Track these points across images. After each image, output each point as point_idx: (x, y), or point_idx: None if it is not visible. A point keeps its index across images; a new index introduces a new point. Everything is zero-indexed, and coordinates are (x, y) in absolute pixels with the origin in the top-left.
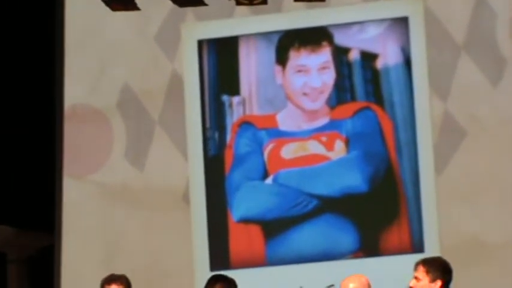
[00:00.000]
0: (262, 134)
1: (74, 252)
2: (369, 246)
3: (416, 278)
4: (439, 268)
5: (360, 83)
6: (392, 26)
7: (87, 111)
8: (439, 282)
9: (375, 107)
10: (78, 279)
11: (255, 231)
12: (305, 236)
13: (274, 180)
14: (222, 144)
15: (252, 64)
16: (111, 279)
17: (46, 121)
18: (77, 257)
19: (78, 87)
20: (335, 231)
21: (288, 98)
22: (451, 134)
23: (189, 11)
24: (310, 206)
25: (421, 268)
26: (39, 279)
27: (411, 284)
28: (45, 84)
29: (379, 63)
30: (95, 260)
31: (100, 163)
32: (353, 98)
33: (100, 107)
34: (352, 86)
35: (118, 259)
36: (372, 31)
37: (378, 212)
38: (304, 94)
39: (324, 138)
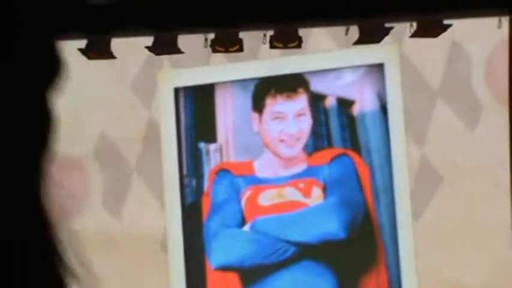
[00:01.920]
0: (240, 181)
1: None
2: None
3: None
4: None
5: (336, 129)
6: (368, 73)
7: (63, 160)
8: None
9: (351, 153)
10: None
11: (233, 279)
12: (283, 283)
13: (252, 227)
14: (199, 191)
15: (228, 111)
16: None
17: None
18: None
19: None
20: (314, 278)
21: (264, 145)
22: (428, 179)
23: (165, 59)
24: (288, 253)
25: None
26: None
27: None
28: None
29: (356, 110)
30: None
31: (76, 211)
32: (330, 145)
33: (76, 155)
34: (328, 132)
35: None
36: (348, 77)
37: (356, 258)
38: (281, 141)
39: (301, 185)
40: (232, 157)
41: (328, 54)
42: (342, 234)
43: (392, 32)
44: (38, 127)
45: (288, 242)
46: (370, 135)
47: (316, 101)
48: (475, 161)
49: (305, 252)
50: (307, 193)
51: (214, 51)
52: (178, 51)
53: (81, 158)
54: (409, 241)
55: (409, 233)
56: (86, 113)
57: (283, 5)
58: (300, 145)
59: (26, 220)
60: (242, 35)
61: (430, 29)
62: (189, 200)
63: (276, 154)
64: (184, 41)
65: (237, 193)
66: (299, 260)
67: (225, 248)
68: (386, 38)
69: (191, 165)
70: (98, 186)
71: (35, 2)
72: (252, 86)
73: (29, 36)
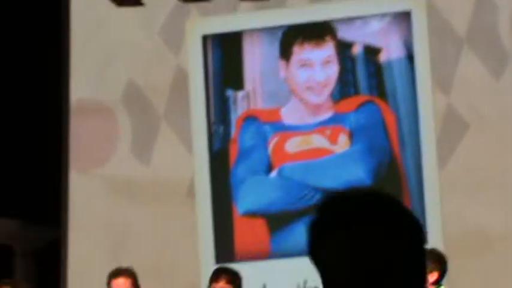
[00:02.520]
0: (267, 128)
1: (81, 246)
2: None
3: None
4: (435, 260)
5: (363, 77)
6: (395, 20)
7: (93, 106)
8: (435, 274)
9: (378, 100)
10: (85, 273)
11: (260, 224)
12: None
13: (279, 173)
14: (226, 138)
15: (256, 59)
16: (118, 272)
17: (53, 116)
18: (84, 250)
19: (84, 82)
20: None
21: (291, 92)
22: (453, 126)
23: (193, 6)
24: (315, 199)
25: None
26: (46, 273)
27: None
28: (51, 80)
29: (382, 57)
30: (101, 253)
31: (106, 157)
32: (356, 92)
33: (106, 101)
34: (355, 80)
35: (124, 252)
36: (375, 25)
37: None
38: (308, 88)
39: (327, 132)
40: (259, 104)
41: (355, 2)
42: (367, 180)
43: None
44: None
45: (315, 188)
46: (397, 82)
47: (343, 48)
48: (501, 109)
49: None
50: (333, 140)
51: None
52: None
53: (110, 104)
54: (434, 187)
55: (434, 179)
56: (114, 60)
57: None
58: (326, 92)
59: None
60: None
61: None
62: (216, 146)
63: (303, 101)
64: None
65: (264, 140)
66: None
67: (252, 194)
68: None
69: (219, 113)
70: (127, 133)
71: None
72: (279, 34)
73: None
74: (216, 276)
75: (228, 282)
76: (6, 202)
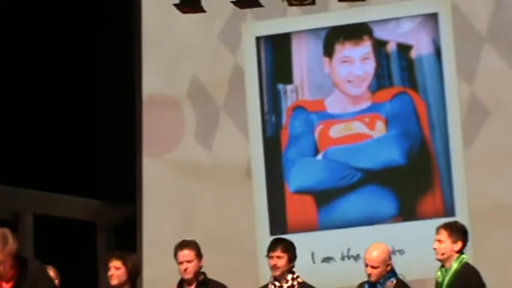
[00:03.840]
0: (313, 116)
1: (153, 221)
2: (407, 211)
3: (439, 240)
4: (460, 231)
5: (396, 71)
6: (424, 21)
7: (162, 100)
8: (459, 244)
9: (410, 91)
10: (157, 245)
11: (308, 200)
12: (352, 204)
13: (324, 156)
14: (278, 126)
15: (303, 56)
16: (183, 244)
17: (128, 109)
18: (156, 225)
19: (154, 79)
20: (377, 199)
21: (334, 85)
22: (476, 113)
23: (248, 12)
24: (356, 178)
25: (443, 232)
26: (125, 245)
27: (434, 246)
28: (126, 77)
29: (413, 54)
30: (171, 228)
31: (174, 144)
32: (391, 84)
33: (173, 96)
34: (390, 73)
35: (190, 227)
36: (407, 26)
37: (414, 182)
38: (349, 81)
39: (366, 119)
40: (306, 96)
41: (390, 5)
42: (402, 161)
43: None
44: None
45: (356, 168)
46: (426, 75)
47: (379, 46)
48: None
49: (370, 177)
50: (371, 126)
51: (290, 4)
52: (259, 4)
53: (177, 98)
54: (460, 166)
55: (460, 160)
56: (180, 59)
57: None
58: (365, 85)
59: None
60: None
61: None
62: (269, 133)
63: (344, 93)
64: None
65: (311, 127)
66: (365, 184)
67: (301, 174)
68: None
69: (271, 104)
70: (191, 122)
71: None
72: (323, 34)
73: None
74: (273, 246)
75: (284, 251)
76: (90, 185)
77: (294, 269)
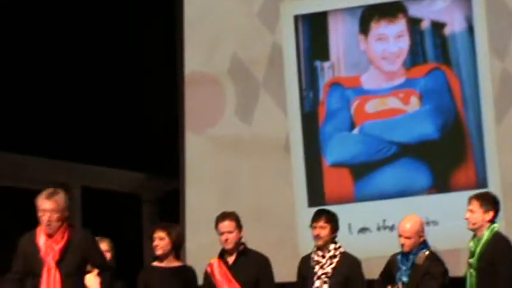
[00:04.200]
0: (349, 92)
1: (195, 194)
2: (441, 184)
3: (470, 210)
4: (491, 201)
5: (430, 47)
6: None
7: (203, 77)
8: (491, 213)
9: (444, 67)
10: (199, 216)
11: (345, 173)
12: (387, 177)
13: (360, 130)
14: (315, 102)
15: (339, 34)
16: (224, 216)
17: (171, 87)
18: (198, 197)
19: (196, 57)
20: (412, 172)
21: (370, 62)
22: (508, 88)
23: None
24: (391, 152)
25: (474, 202)
26: (168, 217)
27: (466, 216)
28: (169, 54)
29: (447, 31)
30: (212, 200)
31: (215, 120)
32: (425, 61)
33: (214, 73)
34: (424, 50)
35: (231, 199)
36: (440, 3)
37: (448, 155)
38: (384, 58)
39: (401, 95)
40: (342, 72)
41: None
42: (435, 135)
43: None
44: None
45: (391, 142)
46: (460, 52)
47: (413, 24)
48: None
49: (405, 150)
50: (406, 101)
51: None
52: None
53: (218, 76)
54: (492, 140)
55: (492, 134)
56: (221, 38)
57: None
58: (399, 61)
59: None
60: None
61: None
62: (307, 109)
63: (379, 69)
64: None
65: (347, 102)
66: (400, 157)
67: (338, 148)
68: None
69: (308, 80)
70: (232, 99)
71: None
72: (359, 13)
73: None
74: (316, 216)
75: (327, 221)
76: (135, 158)
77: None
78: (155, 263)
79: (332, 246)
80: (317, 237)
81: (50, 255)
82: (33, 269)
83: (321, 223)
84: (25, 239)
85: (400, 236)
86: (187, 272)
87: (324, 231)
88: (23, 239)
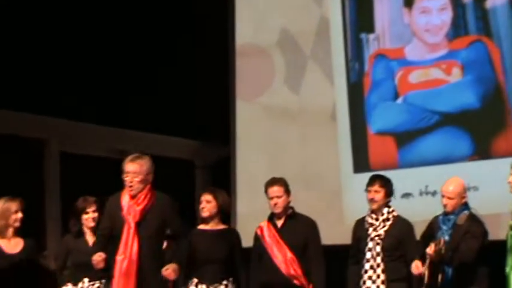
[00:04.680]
0: (393, 63)
1: (246, 160)
2: (482, 151)
3: None
4: None
5: (472, 20)
6: None
7: (253, 49)
8: None
9: (485, 39)
10: (249, 181)
11: (389, 141)
12: (429, 144)
13: (404, 100)
14: (361, 72)
15: (384, 7)
16: (273, 181)
17: (223, 58)
18: (248, 163)
19: (246, 30)
20: (454, 140)
21: (413, 34)
22: None
23: None
24: (433, 120)
25: None
26: (220, 182)
27: (509, 180)
28: (220, 27)
29: (488, 4)
30: (262, 166)
31: (265, 89)
32: (467, 33)
33: (264, 44)
34: (465, 23)
35: (279, 165)
36: None
37: (488, 123)
38: (427, 30)
39: (443, 66)
40: (387, 44)
41: None
42: (477, 105)
43: None
44: None
45: (433, 111)
46: (500, 24)
47: None
48: None
49: (447, 119)
50: (448, 72)
51: None
52: None
53: (267, 47)
54: None
55: None
56: (270, 11)
57: None
58: (442, 33)
59: None
60: None
61: None
62: (353, 79)
63: (422, 41)
64: None
65: (391, 73)
66: (442, 126)
67: (383, 116)
68: None
69: (354, 52)
70: (281, 69)
71: None
72: None
73: None
74: (371, 181)
75: (381, 186)
76: (189, 127)
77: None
78: (201, 226)
79: (386, 210)
80: (371, 200)
81: (131, 215)
82: (116, 227)
83: (376, 187)
84: (112, 199)
85: (443, 196)
86: (231, 234)
87: (378, 195)
88: (110, 199)
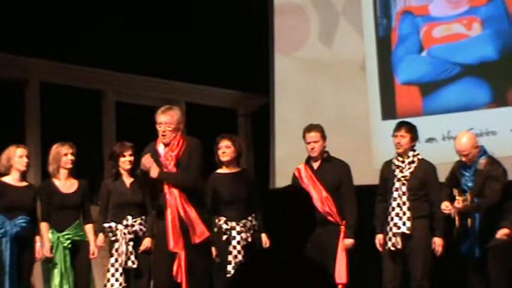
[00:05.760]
0: (418, 19)
1: (284, 108)
2: (499, 99)
3: None
4: None
5: None
6: None
7: (290, 6)
8: None
9: None
10: (286, 127)
11: (414, 90)
12: (451, 93)
13: (428, 53)
14: (389, 28)
15: None
16: (310, 127)
17: (263, 15)
18: (286, 111)
19: None
20: (474, 89)
21: None
22: None
23: None
24: (455, 71)
25: None
26: (260, 129)
27: None
28: None
29: None
30: (298, 114)
31: (300, 44)
32: None
33: (299, 3)
34: None
35: (315, 113)
36: None
37: (506, 74)
38: None
39: (464, 21)
40: (413, 2)
41: None
42: (495, 57)
43: None
44: None
45: (455, 63)
46: None
47: None
48: None
49: (467, 70)
50: (469, 27)
51: None
52: None
53: (303, 5)
54: None
55: None
56: None
57: None
58: None
59: None
60: None
61: None
62: (381, 34)
63: None
64: None
65: (416, 28)
66: (462, 77)
67: (408, 68)
68: None
69: (383, 9)
70: (315, 25)
71: None
72: None
73: None
74: (398, 126)
75: (407, 131)
76: (232, 77)
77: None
78: (220, 170)
79: (411, 153)
80: (398, 144)
81: (168, 160)
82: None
83: (402, 132)
84: (148, 148)
85: (459, 154)
86: (248, 175)
87: (404, 139)
88: (147, 148)
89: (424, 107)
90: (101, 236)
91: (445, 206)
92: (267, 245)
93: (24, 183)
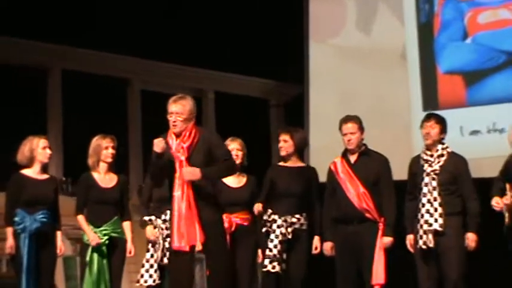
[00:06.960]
0: (463, 5)
1: (319, 98)
2: None
3: None
4: None
5: None
6: None
7: None
8: None
9: None
10: (321, 119)
11: (458, 80)
12: (496, 83)
13: (472, 40)
14: (431, 13)
15: None
16: (347, 118)
17: (299, 3)
18: (321, 101)
19: None
20: None
21: None
22: None
23: None
24: (501, 60)
25: None
26: (294, 120)
27: None
28: None
29: None
30: (334, 104)
31: (337, 31)
32: None
33: None
34: None
35: (352, 103)
36: None
37: None
38: None
39: (511, 6)
40: None
41: None
42: None
43: None
44: None
45: (501, 51)
46: None
47: None
48: None
49: None
50: None
51: None
52: None
53: None
54: None
55: None
56: None
57: None
58: None
59: None
60: None
61: None
62: (422, 20)
63: None
64: None
65: (460, 14)
66: (509, 65)
67: (452, 56)
68: None
69: None
70: (352, 12)
71: None
72: None
73: None
74: (427, 118)
75: (437, 122)
76: (265, 67)
77: (444, 141)
78: (280, 163)
79: (440, 146)
80: (427, 135)
81: (180, 152)
82: (172, 162)
83: (431, 123)
84: (161, 137)
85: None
86: (309, 172)
87: (434, 130)
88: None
89: (468, 98)
90: (150, 228)
91: (496, 202)
92: (318, 250)
93: (45, 176)
